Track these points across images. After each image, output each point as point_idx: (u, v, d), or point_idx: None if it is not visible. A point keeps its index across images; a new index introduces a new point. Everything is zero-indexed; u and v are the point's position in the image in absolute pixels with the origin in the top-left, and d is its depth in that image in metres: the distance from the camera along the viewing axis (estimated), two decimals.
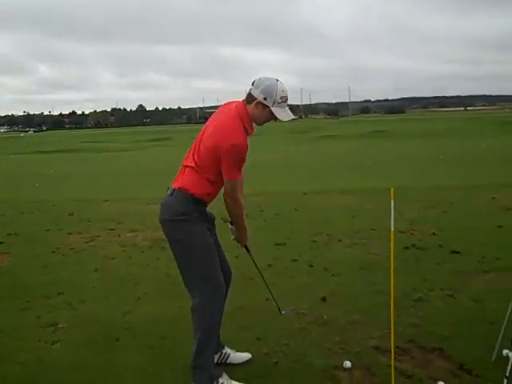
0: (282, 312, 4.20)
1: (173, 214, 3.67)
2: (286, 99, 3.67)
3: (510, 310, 3.89)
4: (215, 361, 3.97)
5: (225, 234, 4.02)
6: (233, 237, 4.00)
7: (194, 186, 3.66)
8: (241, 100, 3.77)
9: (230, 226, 3.96)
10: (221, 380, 3.76)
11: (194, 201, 3.67)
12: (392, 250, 3.40)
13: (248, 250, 4.04)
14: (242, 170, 3.73)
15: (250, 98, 3.67)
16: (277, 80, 3.65)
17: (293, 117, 3.77)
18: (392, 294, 3.40)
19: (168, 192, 3.75)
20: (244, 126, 3.62)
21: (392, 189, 3.30)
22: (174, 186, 3.73)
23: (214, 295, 3.68)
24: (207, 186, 3.68)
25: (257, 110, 3.65)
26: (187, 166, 3.73)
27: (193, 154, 3.73)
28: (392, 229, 3.41)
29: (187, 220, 3.64)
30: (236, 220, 3.86)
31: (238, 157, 3.56)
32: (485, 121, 74.51)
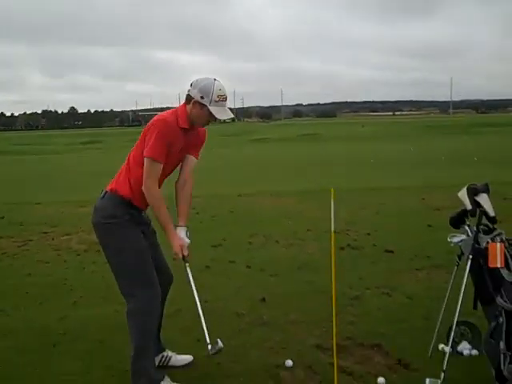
0: (210, 351, 3.66)
1: (104, 217, 3.59)
2: (225, 98, 3.64)
3: (444, 306, 4.03)
4: (156, 364, 3.92)
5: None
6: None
7: (124, 186, 3.60)
8: None
9: None
10: (163, 383, 3.71)
11: (125, 203, 3.60)
12: (333, 251, 3.44)
13: (186, 261, 3.78)
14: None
15: (188, 98, 3.65)
16: (214, 79, 3.63)
17: (232, 116, 3.76)
18: (334, 294, 3.46)
19: (100, 195, 3.68)
20: (176, 118, 3.61)
21: (332, 190, 3.35)
22: (107, 188, 3.67)
23: (148, 300, 3.59)
24: (137, 186, 3.57)
25: (194, 109, 3.61)
26: (122, 169, 3.70)
27: (128, 156, 3.70)
28: (332, 229, 3.45)
29: (118, 223, 3.56)
30: (154, 213, 3.63)
31: (161, 131, 3.48)
32: (412, 125, 76.64)
